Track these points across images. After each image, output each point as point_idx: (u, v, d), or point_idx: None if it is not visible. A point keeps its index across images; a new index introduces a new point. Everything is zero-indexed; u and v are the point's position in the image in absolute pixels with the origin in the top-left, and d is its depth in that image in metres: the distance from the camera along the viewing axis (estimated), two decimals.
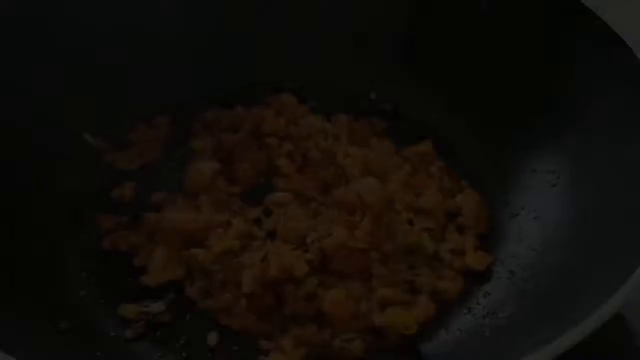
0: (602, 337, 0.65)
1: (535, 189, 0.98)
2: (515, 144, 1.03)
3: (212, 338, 0.84)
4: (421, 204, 0.99)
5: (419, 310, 0.86)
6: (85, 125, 1.06)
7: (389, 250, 0.92)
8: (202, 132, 1.12)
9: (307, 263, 0.86)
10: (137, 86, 1.11)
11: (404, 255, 0.92)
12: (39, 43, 1.00)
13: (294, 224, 0.93)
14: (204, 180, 1.00)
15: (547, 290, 0.82)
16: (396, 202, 0.99)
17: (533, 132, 1.01)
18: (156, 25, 1.13)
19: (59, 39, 1.02)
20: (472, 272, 0.91)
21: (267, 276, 0.85)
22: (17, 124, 0.96)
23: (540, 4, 1.00)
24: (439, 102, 1.15)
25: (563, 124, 0.97)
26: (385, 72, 1.19)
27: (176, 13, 1.15)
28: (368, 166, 1.02)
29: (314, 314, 0.84)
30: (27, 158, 0.95)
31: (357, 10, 1.18)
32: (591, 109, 0.93)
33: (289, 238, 0.93)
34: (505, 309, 0.84)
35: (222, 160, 1.06)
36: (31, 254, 0.88)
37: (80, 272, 0.90)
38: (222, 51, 1.19)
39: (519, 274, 0.89)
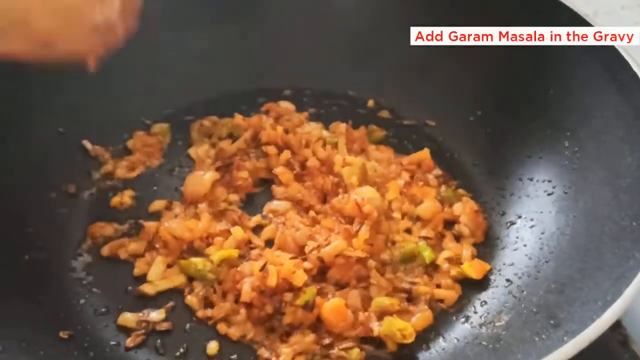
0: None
1: (532, 198, 0.99)
2: (513, 153, 1.04)
3: (212, 347, 0.84)
4: (419, 212, 1.00)
5: (417, 318, 0.86)
6: (84, 133, 1.07)
7: (387, 259, 0.93)
8: (200, 140, 1.12)
9: (306, 272, 0.87)
10: (135, 94, 1.11)
11: (402, 263, 0.93)
12: None
13: (292, 233, 0.94)
14: (203, 190, 1.00)
15: (543, 300, 0.83)
16: (394, 210, 1.00)
17: (530, 142, 1.02)
18: (156, 33, 1.13)
19: None
20: (469, 280, 0.92)
21: (266, 285, 0.86)
22: (16, 132, 0.96)
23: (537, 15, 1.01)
24: (438, 111, 1.16)
25: (559, 134, 0.97)
26: (383, 80, 1.20)
27: (175, 21, 1.15)
28: (366, 175, 1.02)
29: (312, 322, 0.85)
30: (27, 166, 0.95)
31: (357, 20, 1.18)
32: (585, 120, 0.94)
33: (287, 247, 0.93)
34: (502, 317, 0.85)
35: (221, 168, 1.06)
36: (31, 264, 0.88)
37: (80, 281, 0.91)
38: (221, 59, 1.19)
39: (516, 283, 0.90)
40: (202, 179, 1.01)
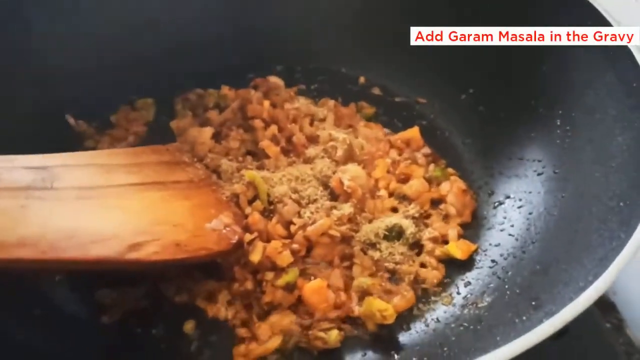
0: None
1: (521, 178, 0.97)
2: (504, 132, 1.02)
3: (189, 326, 0.83)
4: (406, 191, 0.98)
5: (399, 299, 0.85)
6: (67, 108, 1.05)
7: (371, 238, 0.91)
8: (184, 113, 1.10)
9: (293, 253, 0.85)
10: (120, 68, 1.09)
11: (386, 242, 0.91)
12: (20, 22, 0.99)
13: (279, 208, 0.92)
14: (204, 148, 0.99)
15: (528, 281, 0.81)
16: (381, 188, 0.98)
17: (522, 120, 1.00)
18: (141, 6, 1.11)
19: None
20: (454, 260, 0.91)
21: (248, 260, 0.84)
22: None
23: None
24: (429, 88, 1.14)
25: (552, 112, 0.95)
26: (375, 56, 1.17)
27: None
28: (352, 152, 1.00)
29: (293, 302, 0.84)
30: (7, 143, 0.93)
31: None
32: (578, 98, 0.91)
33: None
34: (485, 299, 0.83)
35: (212, 136, 1.04)
36: None
37: None
38: (209, 31, 1.16)
39: (501, 264, 0.88)
40: (201, 132, 1.00)
